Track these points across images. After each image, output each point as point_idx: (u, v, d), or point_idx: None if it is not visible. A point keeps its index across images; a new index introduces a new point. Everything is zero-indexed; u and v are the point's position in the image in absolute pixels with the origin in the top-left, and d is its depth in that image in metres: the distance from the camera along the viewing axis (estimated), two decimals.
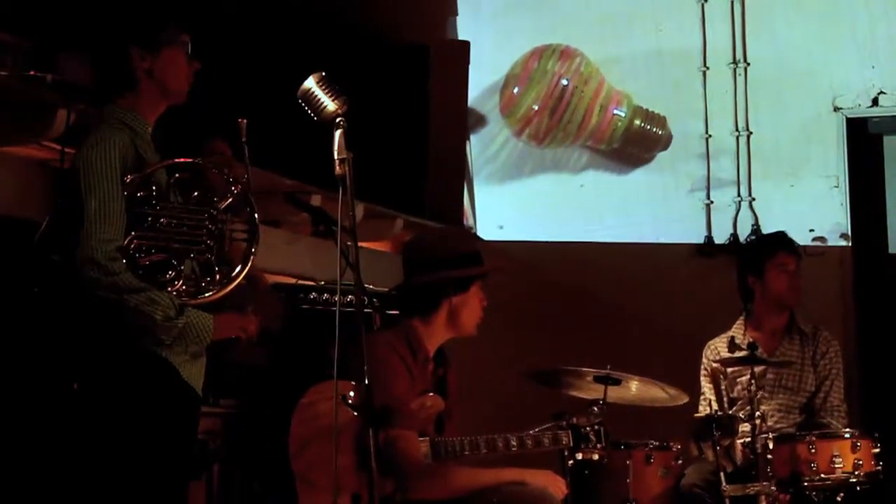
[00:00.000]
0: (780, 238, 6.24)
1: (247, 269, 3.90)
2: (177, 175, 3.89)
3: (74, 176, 3.79)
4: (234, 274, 3.89)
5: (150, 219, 3.80)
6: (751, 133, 7.73)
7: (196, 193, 3.89)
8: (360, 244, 3.83)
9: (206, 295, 3.85)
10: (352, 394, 4.00)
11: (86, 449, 3.81)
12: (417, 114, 7.87)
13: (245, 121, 4.01)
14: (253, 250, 3.92)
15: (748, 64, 7.74)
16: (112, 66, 3.96)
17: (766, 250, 6.12)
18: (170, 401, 3.83)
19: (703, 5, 7.84)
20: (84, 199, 3.74)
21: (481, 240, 7.88)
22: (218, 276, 3.87)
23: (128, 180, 3.77)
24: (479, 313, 4.66)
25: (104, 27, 4.09)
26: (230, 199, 3.91)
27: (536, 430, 4.70)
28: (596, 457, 4.83)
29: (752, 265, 6.10)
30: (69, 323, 3.84)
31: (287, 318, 5.25)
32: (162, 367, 3.81)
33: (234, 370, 4.96)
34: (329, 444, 3.84)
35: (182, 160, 3.92)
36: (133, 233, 3.77)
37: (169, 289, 3.79)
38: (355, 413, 3.90)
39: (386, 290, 5.24)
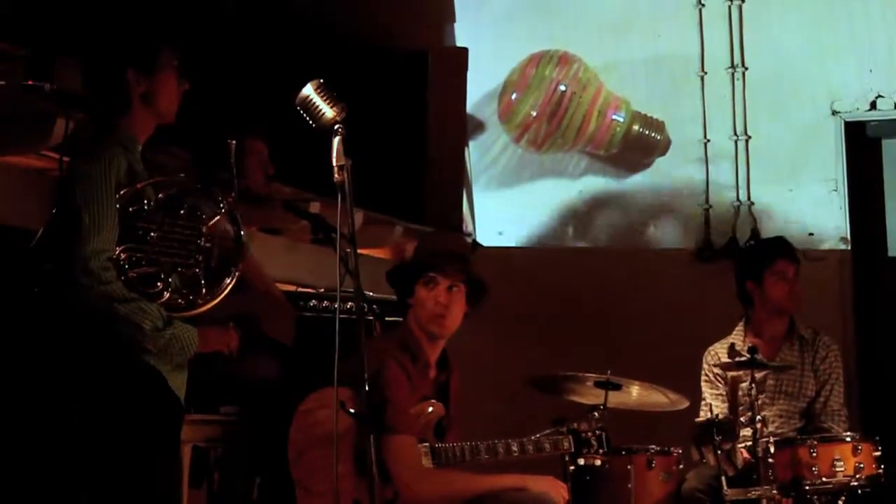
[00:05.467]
0: (779, 244, 6.17)
1: (232, 283, 3.97)
2: (161, 194, 3.93)
3: (70, 187, 3.85)
4: (220, 289, 3.96)
5: (139, 232, 3.86)
6: (749, 137, 7.73)
7: (183, 210, 3.93)
8: (359, 251, 3.83)
9: (194, 309, 3.91)
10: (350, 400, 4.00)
11: (74, 453, 3.86)
12: (416, 120, 7.88)
13: (234, 142, 4.06)
14: (238, 266, 3.99)
15: (746, 68, 7.75)
16: (108, 89, 4.01)
17: (765, 257, 6.06)
18: (157, 406, 3.89)
19: (700, 10, 7.85)
20: (79, 210, 3.79)
21: (480, 245, 7.89)
22: (204, 291, 3.93)
23: (121, 194, 3.82)
24: (431, 311, 4.59)
25: (101, 50, 4.12)
26: (217, 217, 3.95)
27: (537, 435, 4.70)
28: (598, 462, 4.82)
29: (750, 272, 6.05)
30: (60, 331, 3.86)
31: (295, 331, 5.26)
32: (150, 374, 3.86)
33: (236, 379, 4.97)
34: (327, 450, 3.85)
35: (171, 177, 3.99)
36: (123, 245, 3.83)
37: (157, 301, 3.85)
38: (354, 420, 3.89)
39: (386, 296, 5.24)
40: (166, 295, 3.87)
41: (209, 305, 3.94)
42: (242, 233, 4.03)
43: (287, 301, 5.19)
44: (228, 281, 3.97)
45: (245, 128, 4.62)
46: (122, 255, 3.82)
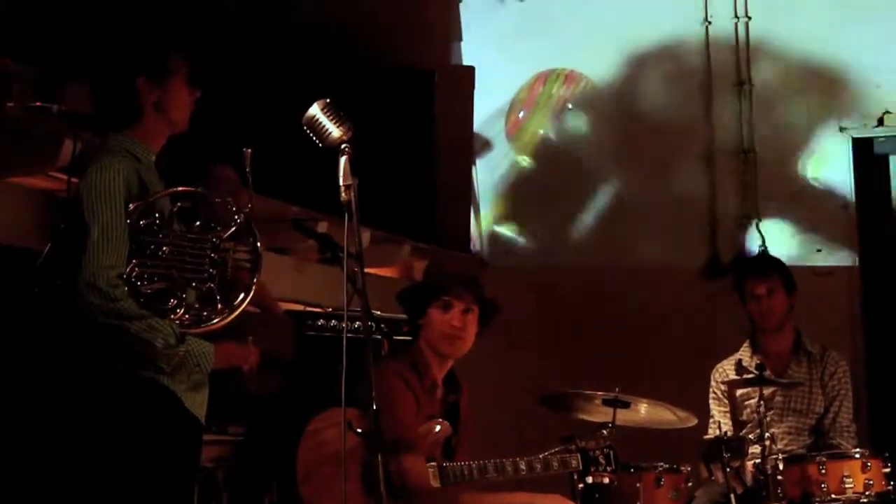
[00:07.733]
0: (752, 263, 6.26)
1: (249, 297, 3.91)
2: (179, 204, 3.90)
3: (78, 202, 3.81)
4: (236, 303, 3.89)
5: (152, 247, 3.81)
6: (757, 153, 7.73)
7: (198, 223, 3.90)
8: (367, 270, 3.83)
9: (209, 324, 3.86)
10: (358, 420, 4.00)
11: (87, 477, 3.81)
12: (423, 139, 7.89)
13: (250, 150, 4.03)
14: (255, 279, 3.93)
15: (753, 85, 7.75)
16: (118, 97, 3.98)
17: (740, 277, 6.15)
18: (171, 429, 3.84)
19: (707, 27, 7.86)
20: (87, 224, 3.75)
21: (489, 265, 7.89)
22: (220, 306, 3.87)
23: (131, 208, 3.79)
24: (446, 334, 4.64)
25: (111, 58, 4.11)
26: (233, 228, 3.92)
27: (545, 453, 4.69)
28: (606, 480, 4.83)
29: (737, 291, 6.14)
30: (70, 349, 3.84)
31: (295, 345, 5.24)
32: (163, 396, 3.82)
33: (244, 398, 4.96)
34: (335, 469, 3.84)
35: (185, 189, 3.94)
36: (135, 260, 3.78)
37: (171, 317, 3.79)
38: (361, 439, 3.89)
39: (394, 315, 5.25)
40: (180, 311, 3.81)
41: (227, 321, 3.87)
42: (259, 244, 3.97)
43: (285, 314, 5.17)
44: (244, 295, 3.90)
45: (215, 154, 4.57)
46: (135, 271, 3.76)
